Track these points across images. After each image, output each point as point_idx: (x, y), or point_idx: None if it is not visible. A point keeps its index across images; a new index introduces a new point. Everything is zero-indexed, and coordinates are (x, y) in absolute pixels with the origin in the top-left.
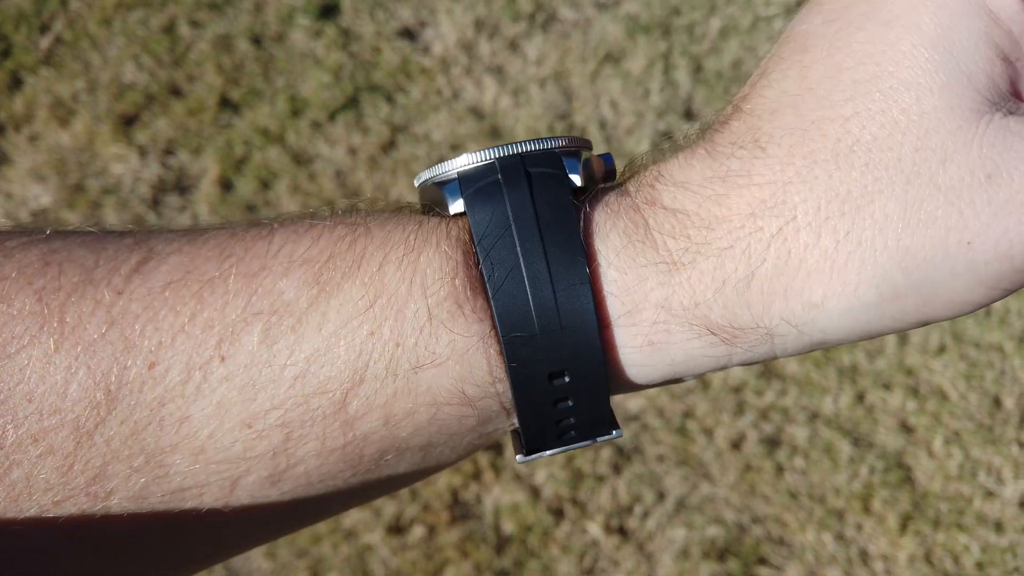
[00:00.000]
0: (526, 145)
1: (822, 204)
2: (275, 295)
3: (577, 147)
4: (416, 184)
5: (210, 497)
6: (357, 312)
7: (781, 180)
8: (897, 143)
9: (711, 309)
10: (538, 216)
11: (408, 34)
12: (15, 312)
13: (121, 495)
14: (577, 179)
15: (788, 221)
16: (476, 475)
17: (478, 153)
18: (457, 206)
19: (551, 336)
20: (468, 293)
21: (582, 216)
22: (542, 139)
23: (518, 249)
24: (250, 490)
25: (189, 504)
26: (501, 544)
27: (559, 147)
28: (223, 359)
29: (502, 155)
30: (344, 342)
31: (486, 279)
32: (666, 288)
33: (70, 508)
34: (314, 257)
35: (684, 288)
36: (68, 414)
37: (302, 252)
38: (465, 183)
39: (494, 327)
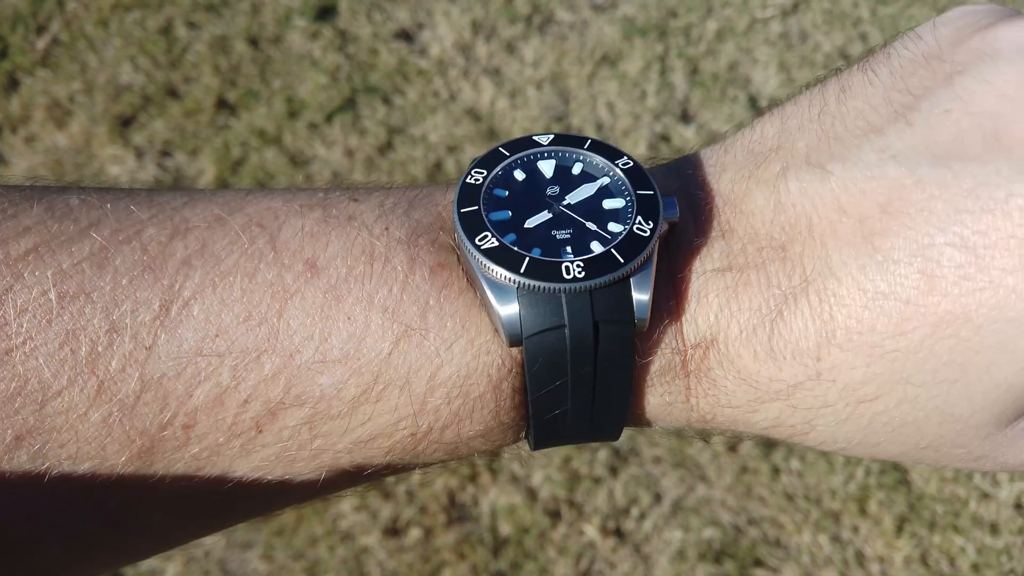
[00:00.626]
0: (596, 277)
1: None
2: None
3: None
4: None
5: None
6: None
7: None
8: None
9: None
10: (595, 382)
11: (405, 36)
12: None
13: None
14: (645, 317)
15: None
16: (473, 477)
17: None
18: (511, 339)
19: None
20: (511, 420)
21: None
22: (616, 263)
23: (568, 397)
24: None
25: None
26: (498, 546)
27: (633, 268)
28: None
29: (571, 288)
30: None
31: (530, 418)
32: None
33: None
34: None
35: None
36: None
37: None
38: (528, 324)
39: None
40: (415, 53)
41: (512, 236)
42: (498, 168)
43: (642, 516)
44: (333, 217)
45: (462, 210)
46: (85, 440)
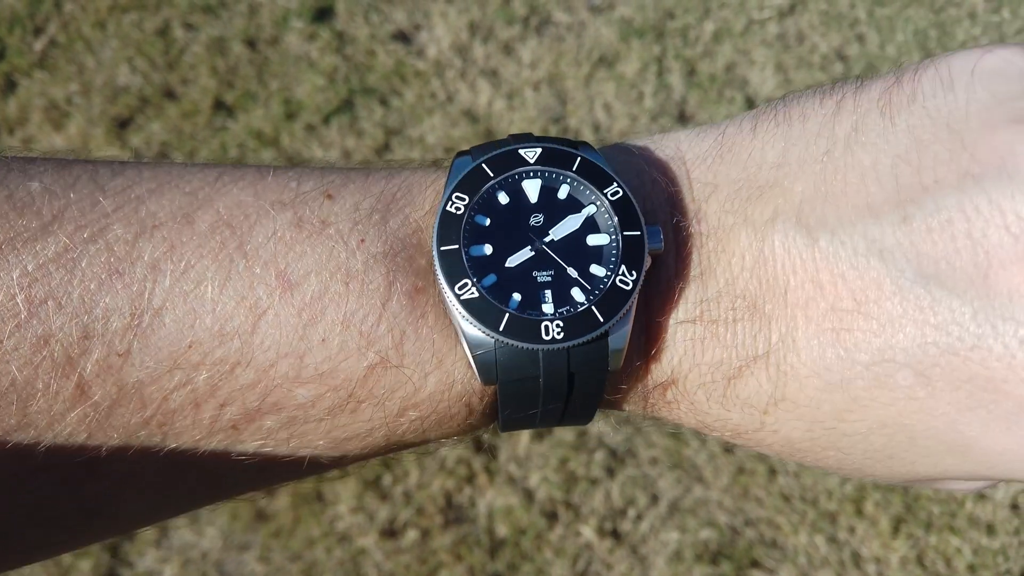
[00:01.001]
0: (575, 338)
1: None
2: None
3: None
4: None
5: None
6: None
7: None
8: None
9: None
10: (566, 409)
11: (402, 37)
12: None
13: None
14: (619, 365)
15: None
16: (470, 478)
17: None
18: (484, 375)
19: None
20: (482, 424)
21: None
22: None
23: (537, 419)
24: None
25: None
26: (495, 547)
27: (613, 324)
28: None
29: (548, 349)
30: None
31: (500, 422)
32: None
33: None
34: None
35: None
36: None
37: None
38: (504, 374)
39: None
40: (412, 54)
41: (492, 278)
42: (481, 192)
43: (639, 517)
44: (306, 222)
45: (442, 248)
46: (64, 437)
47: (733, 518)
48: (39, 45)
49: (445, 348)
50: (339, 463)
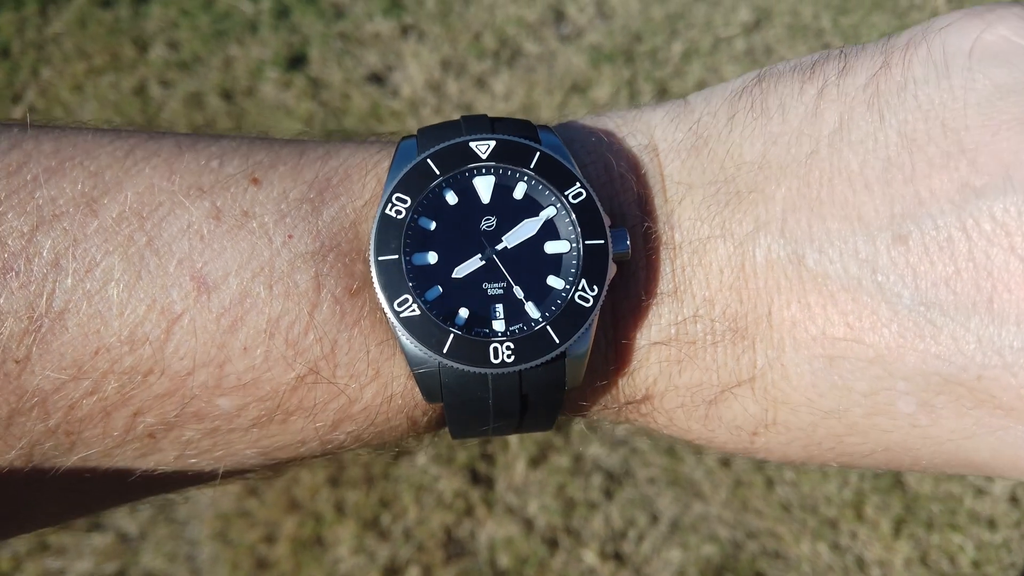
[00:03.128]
0: (527, 361)
1: None
2: None
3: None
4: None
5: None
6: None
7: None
8: None
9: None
10: (521, 423)
11: (376, 79)
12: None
13: None
14: (578, 383)
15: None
16: (468, 511)
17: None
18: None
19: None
20: (428, 431)
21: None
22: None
23: (490, 432)
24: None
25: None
26: None
27: (570, 345)
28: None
29: (497, 373)
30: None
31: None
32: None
33: None
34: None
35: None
36: None
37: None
38: (449, 395)
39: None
40: (388, 95)
41: (437, 290)
42: (425, 192)
43: (640, 538)
44: (226, 213)
45: (380, 258)
46: None
47: (734, 532)
48: (18, 113)
49: (382, 359)
50: (273, 469)
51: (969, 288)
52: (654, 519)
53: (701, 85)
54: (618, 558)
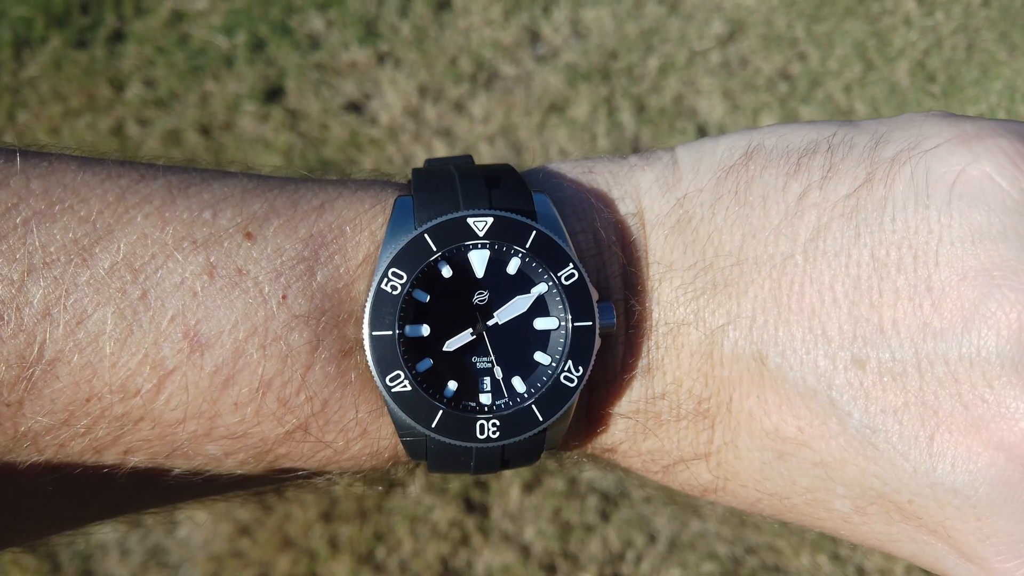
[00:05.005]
0: (511, 437)
1: None
2: None
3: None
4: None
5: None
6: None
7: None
8: None
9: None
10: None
11: (354, 108)
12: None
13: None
14: (555, 448)
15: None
16: (464, 540)
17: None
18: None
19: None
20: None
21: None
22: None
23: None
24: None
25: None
26: None
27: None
28: None
29: (479, 448)
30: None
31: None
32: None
33: None
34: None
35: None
36: None
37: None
38: (434, 462)
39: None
40: (366, 123)
41: (427, 363)
42: (421, 267)
43: (639, 559)
44: (220, 269)
45: (374, 333)
46: None
47: (733, 548)
48: None
49: (370, 419)
50: (257, 493)
51: (914, 422)
52: (652, 539)
53: (678, 99)
54: None
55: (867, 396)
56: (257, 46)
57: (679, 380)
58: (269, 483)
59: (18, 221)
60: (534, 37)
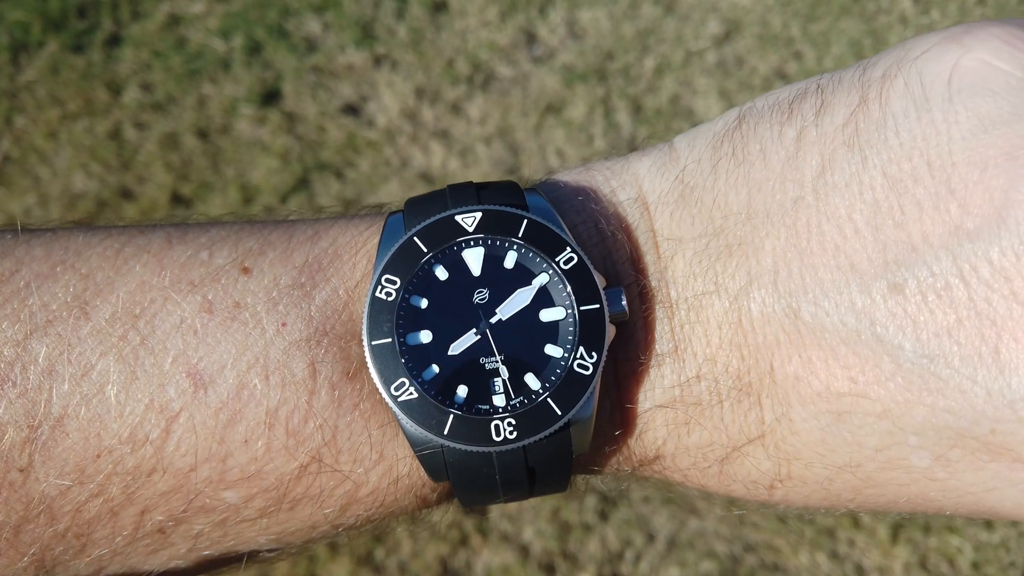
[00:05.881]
0: (530, 436)
1: None
2: None
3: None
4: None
5: None
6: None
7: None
8: None
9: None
10: (532, 491)
11: (351, 110)
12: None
13: None
14: (584, 450)
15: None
16: (463, 541)
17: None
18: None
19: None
20: (438, 504)
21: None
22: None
23: (501, 503)
24: None
25: None
26: None
27: (573, 415)
28: None
29: (501, 451)
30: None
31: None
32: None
33: None
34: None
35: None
36: None
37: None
38: (455, 475)
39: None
40: (363, 125)
41: (433, 369)
42: (415, 271)
43: (637, 558)
44: (218, 305)
45: (373, 343)
46: None
47: (732, 546)
48: None
49: (385, 440)
50: (286, 552)
51: (973, 338)
52: (651, 538)
53: (675, 100)
54: None
55: (914, 323)
56: (254, 49)
57: (712, 357)
58: (294, 541)
59: (20, 284)
60: (530, 38)
